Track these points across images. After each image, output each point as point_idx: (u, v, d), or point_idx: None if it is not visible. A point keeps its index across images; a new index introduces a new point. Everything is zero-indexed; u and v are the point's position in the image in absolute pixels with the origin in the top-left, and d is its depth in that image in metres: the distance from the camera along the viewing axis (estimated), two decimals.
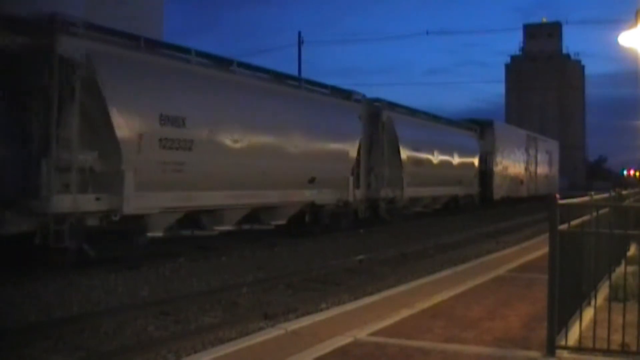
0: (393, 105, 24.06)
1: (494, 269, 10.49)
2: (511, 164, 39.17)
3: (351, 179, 19.78)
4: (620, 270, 6.77)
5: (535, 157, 45.84)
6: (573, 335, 5.37)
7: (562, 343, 5.22)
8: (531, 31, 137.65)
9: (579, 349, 5.18)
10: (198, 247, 14.91)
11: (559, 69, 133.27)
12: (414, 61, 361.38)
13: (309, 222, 18.53)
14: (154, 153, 12.25)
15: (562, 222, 5.23)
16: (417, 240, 18.62)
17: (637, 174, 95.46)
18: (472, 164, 31.12)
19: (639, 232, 7.76)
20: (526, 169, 43.12)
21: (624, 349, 5.10)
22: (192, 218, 14.18)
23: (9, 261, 10.60)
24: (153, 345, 7.18)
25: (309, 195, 17.89)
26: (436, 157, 26.14)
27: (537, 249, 12.71)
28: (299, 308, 9.10)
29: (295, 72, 33.40)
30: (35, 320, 8.24)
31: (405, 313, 6.97)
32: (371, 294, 9.32)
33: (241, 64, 15.95)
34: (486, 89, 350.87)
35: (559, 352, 5.12)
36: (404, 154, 22.87)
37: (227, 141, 14.26)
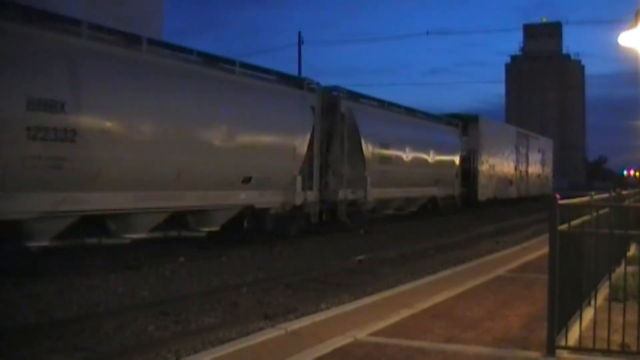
0: (355, 95, 21.39)
1: (494, 269, 10.49)
2: (499, 163, 36.52)
3: (299, 178, 17.02)
4: (620, 270, 6.77)
5: (527, 156, 43.05)
6: (573, 335, 5.37)
7: (562, 343, 5.22)
8: (531, 31, 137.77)
9: (579, 349, 5.18)
10: (199, 247, 14.89)
11: (559, 69, 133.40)
12: (414, 61, 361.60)
13: (248, 228, 15.90)
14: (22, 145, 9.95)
15: (562, 222, 5.24)
16: (417, 240, 18.61)
17: (637, 174, 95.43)
18: (453, 162, 28.36)
19: (639, 232, 7.77)
20: (516, 168, 40.41)
21: (624, 349, 5.11)
22: (95, 223, 11.97)
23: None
24: (153, 345, 7.18)
25: (245, 197, 15.18)
26: (408, 155, 23.28)
27: (537, 249, 12.72)
28: (299, 308, 9.09)
29: (295, 72, 33.36)
30: (35, 320, 8.24)
31: (405, 313, 6.97)
32: (371, 294, 9.31)
33: (153, 42, 13.54)
34: (486, 89, 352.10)
35: (559, 352, 5.12)
36: (368, 150, 20.25)
37: (130, 132, 11.83)
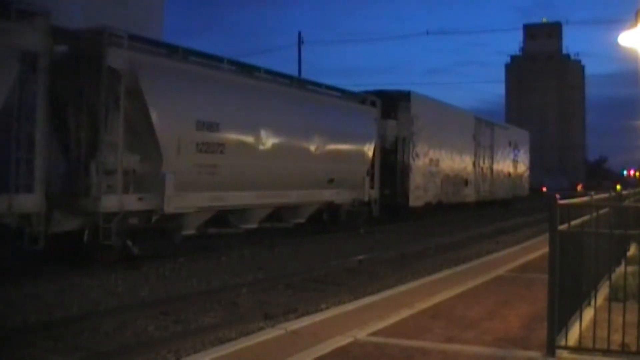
0: (150, 44, 13.86)
1: (494, 269, 10.48)
2: (447, 157, 28.57)
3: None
4: (620, 270, 6.76)
5: (491, 150, 34.80)
6: (573, 335, 5.37)
7: (562, 343, 5.22)
8: (531, 31, 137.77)
9: (579, 349, 5.18)
10: (200, 247, 14.90)
11: (559, 69, 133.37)
12: (414, 61, 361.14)
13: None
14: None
15: (562, 222, 5.23)
16: (417, 240, 18.63)
17: (637, 174, 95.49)
18: (362, 155, 20.58)
19: (639, 232, 7.77)
20: (475, 164, 32.14)
21: (624, 349, 5.10)
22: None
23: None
24: (153, 345, 7.18)
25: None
26: (267, 141, 15.97)
27: (537, 249, 12.71)
28: (299, 308, 9.09)
29: (295, 72, 33.37)
30: (35, 320, 8.23)
31: (405, 313, 6.97)
32: (371, 294, 9.31)
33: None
34: (486, 89, 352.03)
35: (559, 352, 5.12)
36: (167, 130, 12.96)
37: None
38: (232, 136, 14.69)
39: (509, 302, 7.66)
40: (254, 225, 16.10)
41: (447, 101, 33.03)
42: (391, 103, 23.80)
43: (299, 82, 19.59)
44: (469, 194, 31.49)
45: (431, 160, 26.94)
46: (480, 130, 33.36)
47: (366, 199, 21.08)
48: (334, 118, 19.43)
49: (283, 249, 15.76)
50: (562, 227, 5.21)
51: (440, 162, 27.85)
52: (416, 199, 25.38)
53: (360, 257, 14.63)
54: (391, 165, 23.81)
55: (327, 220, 19.44)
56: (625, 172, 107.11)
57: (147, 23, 23.23)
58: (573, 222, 5.43)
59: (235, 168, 14.58)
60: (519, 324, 6.48)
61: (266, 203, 16.19)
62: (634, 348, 5.05)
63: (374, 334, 6.07)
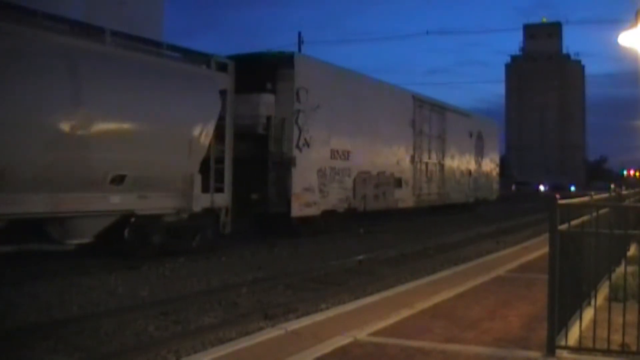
0: None
1: (494, 269, 10.48)
2: (363, 147, 20.96)
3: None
4: (620, 270, 6.76)
5: (441, 141, 27.59)
6: (573, 335, 5.36)
7: (562, 343, 5.22)
8: (531, 31, 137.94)
9: (579, 349, 5.18)
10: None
11: (559, 69, 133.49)
12: (414, 61, 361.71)
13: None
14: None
15: (562, 222, 5.23)
16: (417, 240, 18.61)
17: (637, 174, 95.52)
18: (189, 141, 13.61)
19: (639, 232, 7.77)
20: (414, 159, 24.89)
21: (624, 349, 5.10)
22: None
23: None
24: (153, 345, 7.18)
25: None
26: None
27: (537, 249, 12.70)
28: (299, 308, 9.09)
29: None
30: (35, 320, 8.23)
31: (405, 313, 6.97)
32: (371, 294, 9.31)
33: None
34: (486, 89, 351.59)
35: (559, 352, 5.12)
36: None
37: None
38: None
39: (509, 302, 7.65)
40: None
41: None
42: (266, 70, 17.30)
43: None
44: (404, 198, 24.08)
45: (335, 151, 19.37)
46: (423, 114, 25.76)
47: (197, 208, 13.84)
48: (122, 81, 12.18)
49: (283, 249, 15.76)
50: (562, 227, 5.21)
51: (353, 155, 20.25)
52: (304, 207, 17.83)
53: (360, 257, 14.61)
54: (261, 159, 17.08)
55: (131, 240, 12.72)
56: (625, 172, 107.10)
57: (148, 23, 23.22)
58: (573, 222, 5.43)
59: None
60: (519, 324, 6.48)
61: None
62: (634, 348, 5.05)
63: (374, 333, 6.06)
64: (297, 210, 17.67)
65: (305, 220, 18.20)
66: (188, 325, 8.27)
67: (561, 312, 5.19)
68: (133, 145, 12.26)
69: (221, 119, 14.51)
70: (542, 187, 73.90)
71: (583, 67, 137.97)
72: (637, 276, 6.58)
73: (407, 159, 24.57)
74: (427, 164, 26.31)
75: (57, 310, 8.78)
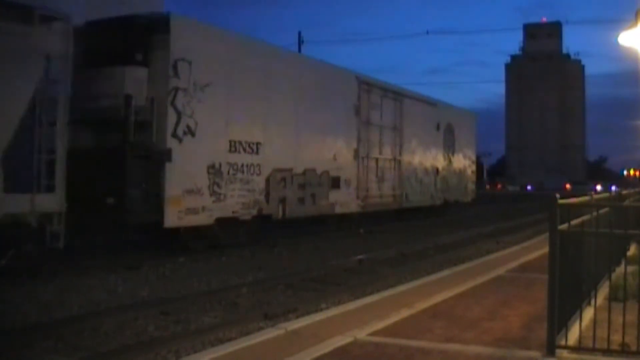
0: None
1: (494, 269, 10.48)
2: (282, 138, 16.82)
3: None
4: (620, 270, 6.76)
5: (398, 132, 23.17)
6: (573, 335, 5.36)
7: (562, 343, 5.22)
8: (531, 31, 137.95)
9: (579, 348, 5.18)
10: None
11: (559, 69, 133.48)
12: (414, 61, 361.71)
13: None
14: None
15: (562, 222, 5.23)
16: (417, 240, 18.61)
17: (637, 173, 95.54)
18: None
19: (639, 232, 7.77)
20: (358, 153, 20.51)
21: (624, 349, 5.10)
22: None
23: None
24: (153, 345, 7.17)
25: None
26: None
27: (537, 248, 12.71)
28: (299, 308, 9.09)
29: None
30: (35, 320, 8.23)
31: (405, 313, 6.97)
32: (371, 294, 9.31)
33: None
34: (486, 89, 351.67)
35: (559, 352, 5.12)
36: None
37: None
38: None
39: (509, 302, 7.65)
40: None
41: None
42: (137, 37, 13.44)
43: None
44: (343, 201, 19.70)
45: (236, 143, 15.04)
46: (372, 100, 21.37)
47: None
48: None
49: (283, 249, 15.76)
50: (562, 227, 5.21)
51: (265, 148, 15.98)
52: (187, 214, 13.53)
53: (360, 257, 14.61)
54: (117, 152, 12.82)
55: None
56: (625, 172, 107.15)
57: None
58: (573, 222, 5.43)
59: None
60: (519, 324, 6.48)
61: None
62: (634, 348, 5.05)
63: (374, 333, 6.07)
64: (175, 218, 13.26)
65: (187, 232, 14.04)
66: (188, 325, 8.26)
67: (561, 312, 5.19)
68: None
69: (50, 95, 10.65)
70: (599, 187, 73.89)
71: (583, 67, 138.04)
72: (637, 276, 6.58)
73: (349, 154, 20.11)
74: (377, 160, 21.90)
75: (57, 310, 8.77)
